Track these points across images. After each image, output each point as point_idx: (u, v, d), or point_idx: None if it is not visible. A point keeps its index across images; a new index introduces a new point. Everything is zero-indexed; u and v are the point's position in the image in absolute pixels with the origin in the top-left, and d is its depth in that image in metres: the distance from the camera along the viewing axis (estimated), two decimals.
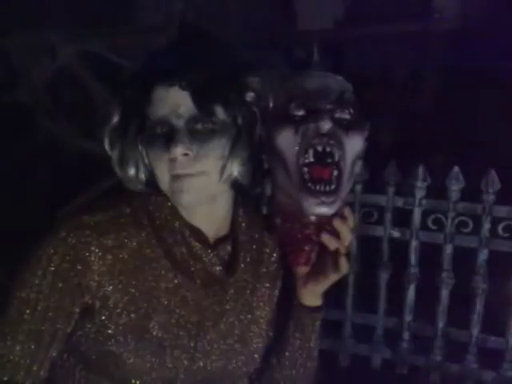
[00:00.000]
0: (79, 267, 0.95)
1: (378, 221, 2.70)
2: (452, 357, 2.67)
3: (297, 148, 0.95)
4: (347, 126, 0.95)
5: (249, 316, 1.07)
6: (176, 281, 1.00)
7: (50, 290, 0.95)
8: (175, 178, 0.94)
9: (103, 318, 0.96)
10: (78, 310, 0.97)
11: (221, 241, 1.03)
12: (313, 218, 0.99)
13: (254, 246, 1.08)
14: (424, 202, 2.64)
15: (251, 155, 0.96)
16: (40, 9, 3.25)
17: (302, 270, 1.05)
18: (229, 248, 1.03)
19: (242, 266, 1.05)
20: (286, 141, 0.95)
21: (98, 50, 3.25)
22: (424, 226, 2.65)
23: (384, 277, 2.74)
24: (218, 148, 0.93)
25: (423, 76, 5.18)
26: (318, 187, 0.94)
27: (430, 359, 2.69)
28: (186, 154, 0.92)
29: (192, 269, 0.99)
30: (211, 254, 0.99)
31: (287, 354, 1.11)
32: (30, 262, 0.96)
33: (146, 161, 0.97)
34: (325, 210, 0.95)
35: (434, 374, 2.71)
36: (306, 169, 0.94)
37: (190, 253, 0.99)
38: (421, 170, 2.61)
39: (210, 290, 1.02)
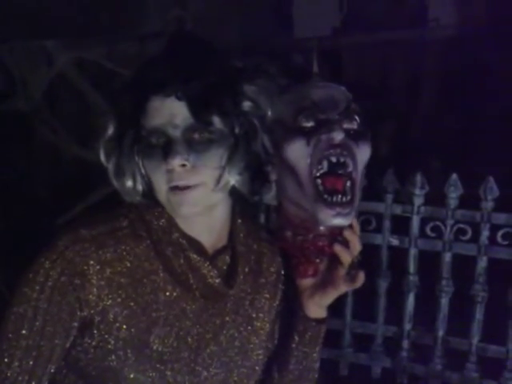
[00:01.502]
0: (77, 281, 0.94)
1: (376, 228, 2.69)
2: (452, 366, 2.65)
3: (309, 160, 0.94)
4: (356, 136, 0.96)
5: (249, 328, 1.06)
6: (175, 293, 0.99)
7: (48, 304, 0.94)
8: (173, 189, 0.93)
9: (103, 332, 0.95)
10: (76, 324, 0.95)
11: (219, 252, 1.02)
12: (324, 230, 0.99)
13: (253, 257, 1.07)
14: (422, 209, 2.62)
15: (249, 164, 0.95)
16: (37, 16, 3.25)
17: (307, 281, 1.04)
18: (227, 259, 1.02)
19: (241, 277, 1.04)
20: (298, 153, 0.95)
21: (96, 57, 3.25)
22: (423, 234, 2.64)
23: (383, 285, 2.72)
24: (215, 158, 0.93)
25: (420, 83, 5.19)
26: (334, 198, 0.94)
27: (430, 368, 2.67)
28: (183, 165, 0.91)
29: (191, 281, 0.98)
30: (210, 266, 0.98)
31: (291, 366, 1.10)
32: (27, 277, 0.95)
33: (143, 172, 0.96)
34: (341, 221, 0.95)
35: (434, 383, 2.69)
36: (319, 180, 0.94)
37: (189, 265, 0.97)
38: (419, 178, 2.60)
39: (209, 302, 1.01)
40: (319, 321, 1.07)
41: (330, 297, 1.04)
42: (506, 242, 2.51)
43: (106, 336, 0.95)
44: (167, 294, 0.98)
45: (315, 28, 5.67)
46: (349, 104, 0.97)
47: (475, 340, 2.59)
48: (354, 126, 0.96)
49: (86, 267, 0.94)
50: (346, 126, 0.95)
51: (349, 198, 0.95)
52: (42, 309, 0.94)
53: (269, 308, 1.09)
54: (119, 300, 0.95)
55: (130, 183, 0.97)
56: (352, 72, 5.15)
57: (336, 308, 2.71)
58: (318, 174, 0.95)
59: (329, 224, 0.96)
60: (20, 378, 0.93)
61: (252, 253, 1.07)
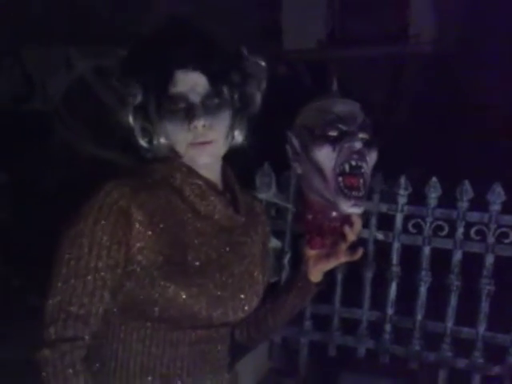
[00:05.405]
0: (122, 219, 1.08)
1: (364, 224, 2.92)
2: (429, 347, 2.90)
3: (333, 162, 1.22)
4: (368, 145, 1.24)
5: (252, 254, 1.27)
6: (200, 225, 1.18)
7: (99, 244, 1.06)
8: (194, 145, 1.15)
9: (148, 259, 1.09)
10: (124, 258, 1.08)
11: (224, 191, 1.24)
12: (337, 215, 1.27)
13: (242, 198, 1.29)
14: (405, 208, 2.90)
15: (248, 124, 1.20)
16: (58, 23, 3.42)
17: (314, 252, 1.31)
18: (229, 196, 1.25)
19: (242, 211, 1.25)
20: (326, 156, 1.22)
21: (113, 64, 3.45)
22: (405, 230, 2.91)
23: (368, 275, 2.98)
24: (224, 119, 1.16)
25: (402, 96, 5.45)
26: (353, 193, 1.21)
27: (410, 349, 2.93)
28: (203, 125, 1.14)
29: (215, 216, 1.19)
30: (223, 201, 1.21)
31: (286, 307, 1.35)
32: (76, 221, 1.07)
33: (163, 131, 1.15)
34: (356, 210, 1.24)
35: (413, 362, 2.95)
36: (340, 178, 1.22)
37: (207, 201, 1.18)
38: (403, 180, 2.89)
39: (226, 232, 1.22)
40: (316, 283, 1.35)
41: (332, 265, 1.32)
42: (478, 238, 2.81)
43: (152, 259, 1.09)
44: (193, 225, 1.17)
45: (301, 41, 5.89)
46: (364, 118, 1.25)
47: (450, 324, 2.87)
48: (367, 136, 1.24)
49: (129, 207, 1.08)
50: (361, 136, 1.23)
51: (362, 193, 1.23)
52: (93, 249, 1.06)
53: (262, 241, 1.31)
54: (157, 230, 1.12)
55: (155, 141, 1.17)
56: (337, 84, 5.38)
57: (326, 295, 2.97)
58: (339, 173, 1.22)
59: (347, 211, 1.24)
60: (79, 314, 1.05)
61: (241, 193, 1.29)
